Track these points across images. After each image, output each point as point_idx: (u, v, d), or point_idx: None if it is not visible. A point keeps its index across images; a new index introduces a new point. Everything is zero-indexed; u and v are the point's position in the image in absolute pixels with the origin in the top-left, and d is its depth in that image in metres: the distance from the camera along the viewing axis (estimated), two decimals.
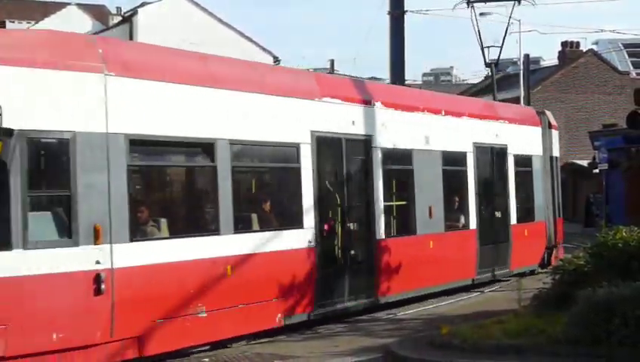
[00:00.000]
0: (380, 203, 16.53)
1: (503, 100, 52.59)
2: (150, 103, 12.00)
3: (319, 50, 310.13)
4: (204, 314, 12.53)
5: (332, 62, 61.93)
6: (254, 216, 13.97)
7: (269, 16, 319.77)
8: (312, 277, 14.65)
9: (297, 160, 14.65)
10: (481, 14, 47.45)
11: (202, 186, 13.56)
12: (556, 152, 24.67)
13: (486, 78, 67.42)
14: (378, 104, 16.89)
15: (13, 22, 49.74)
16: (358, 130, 16.13)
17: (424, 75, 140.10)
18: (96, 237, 10.99)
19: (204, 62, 13.75)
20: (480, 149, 20.35)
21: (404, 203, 17.57)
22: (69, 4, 46.03)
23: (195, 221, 13.26)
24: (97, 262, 10.98)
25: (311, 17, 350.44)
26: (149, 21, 39.66)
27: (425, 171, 18.03)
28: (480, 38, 26.86)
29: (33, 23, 46.59)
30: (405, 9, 32.53)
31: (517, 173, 21.91)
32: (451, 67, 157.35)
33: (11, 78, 10.52)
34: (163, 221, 12.35)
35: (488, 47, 28.81)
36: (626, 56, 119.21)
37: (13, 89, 10.48)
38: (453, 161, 19.25)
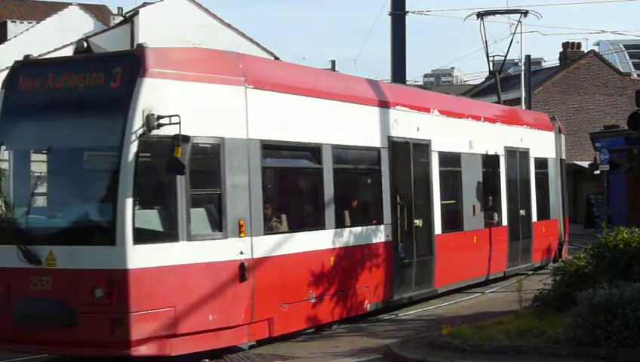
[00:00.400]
0: (438, 201, 18.39)
1: (505, 102, 52.60)
2: (276, 112, 13.68)
3: (319, 50, 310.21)
4: (314, 300, 14.24)
5: (333, 62, 61.85)
6: (347, 213, 15.54)
7: (269, 17, 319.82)
8: (390, 269, 16.34)
9: (379, 162, 16.44)
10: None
11: (312, 185, 15.17)
12: (564, 155, 26.70)
13: (487, 79, 67.46)
14: (435, 111, 18.82)
15: (15, 22, 49.75)
16: (421, 135, 17.91)
17: (425, 75, 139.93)
18: (240, 231, 12.60)
19: (314, 76, 15.70)
20: (509, 153, 22.23)
21: (454, 201, 19.36)
22: (70, 3, 45.96)
23: (308, 217, 15.03)
24: (241, 253, 12.58)
25: (311, 18, 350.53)
26: (150, 21, 39.61)
27: (469, 173, 19.98)
28: (487, 48, 27.39)
29: (34, 22, 46.60)
30: (407, 10, 32.60)
31: (536, 175, 23.95)
32: (452, 68, 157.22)
33: (183, 91, 12.05)
34: (283, 216, 13.97)
35: (493, 56, 29.42)
36: (628, 58, 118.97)
37: (184, 101, 11.87)
38: (489, 163, 21.14)
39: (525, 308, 14.22)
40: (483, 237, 20.42)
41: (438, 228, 18.24)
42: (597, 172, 42.33)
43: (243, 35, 41.83)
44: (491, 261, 20.75)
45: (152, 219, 11.74)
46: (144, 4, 41.11)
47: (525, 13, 28.05)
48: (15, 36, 45.97)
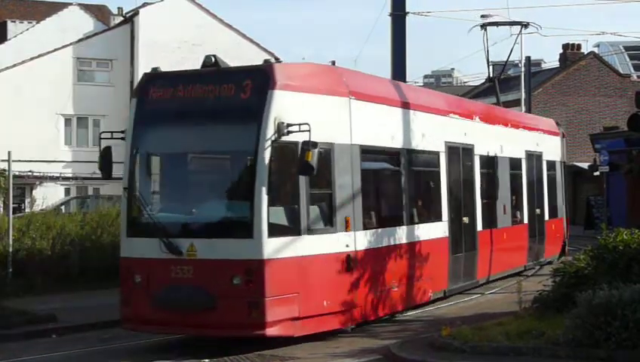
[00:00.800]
0: (479, 200, 20.39)
1: (505, 103, 52.56)
2: (370, 120, 15.50)
3: (319, 50, 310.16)
4: (396, 289, 16.03)
5: (333, 63, 61.94)
6: (416, 211, 17.29)
7: (269, 17, 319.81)
8: (446, 261, 18.34)
9: (439, 165, 18.39)
10: (482, 16, 47.70)
11: (393, 186, 16.92)
12: (565, 158, 28.84)
13: (487, 80, 67.48)
14: (477, 118, 20.87)
15: (15, 21, 49.73)
16: (467, 140, 19.87)
17: (425, 76, 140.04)
18: (346, 226, 14.35)
19: (394, 87, 17.71)
20: (528, 156, 24.28)
21: (490, 201, 21.19)
22: (70, 4, 45.95)
23: (391, 214, 16.74)
24: (347, 246, 14.34)
25: (311, 18, 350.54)
26: (150, 21, 39.66)
27: (501, 174, 21.92)
28: (487, 55, 28.65)
29: (34, 22, 46.61)
30: (407, 10, 32.62)
31: (548, 176, 26.04)
32: (452, 69, 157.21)
33: (303, 102, 13.72)
34: (373, 213, 15.70)
35: (494, 65, 30.30)
36: (627, 59, 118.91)
37: (304, 110, 13.47)
38: (514, 165, 23.12)
39: (525, 309, 14.22)
40: (511, 233, 22.45)
41: (479, 225, 20.29)
42: (597, 173, 42.31)
43: (243, 35, 41.85)
44: (516, 256, 22.98)
45: (281, 215, 13.31)
46: (144, 5, 41.11)
47: (526, 25, 29.41)
48: (15, 36, 46.03)
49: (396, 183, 16.78)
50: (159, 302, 13.07)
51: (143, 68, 39.20)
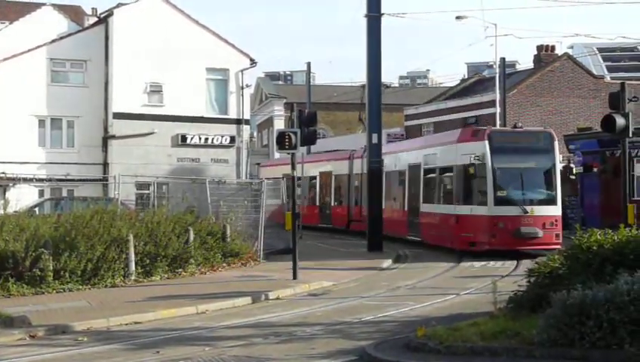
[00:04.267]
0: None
1: (480, 104, 52.89)
2: None
3: (295, 52, 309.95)
4: None
5: (309, 64, 61.89)
6: None
7: (244, 19, 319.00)
8: None
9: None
10: (457, 18, 47.91)
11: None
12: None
13: (462, 81, 67.68)
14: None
15: None
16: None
17: (401, 77, 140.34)
18: None
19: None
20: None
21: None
22: (44, 4, 45.63)
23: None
24: None
25: (287, 20, 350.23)
26: (124, 22, 39.42)
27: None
28: None
29: (7, 23, 46.25)
30: (382, 12, 32.65)
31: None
32: (427, 70, 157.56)
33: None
34: None
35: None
36: (601, 60, 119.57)
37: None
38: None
39: (500, 309, 14.27)
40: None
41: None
42: (573, 177, 42.63)
43: (219, 36, 41.71)
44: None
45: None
46: (118, 5, 40.87)
47: None
48: None
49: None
50: (516, 235, 28.00)
51: (117, 69, 39.09)
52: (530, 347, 11.73)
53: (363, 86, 39.23)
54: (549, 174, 29.14)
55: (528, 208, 28.02)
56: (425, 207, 32.39)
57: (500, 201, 28.19)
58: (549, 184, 29.15)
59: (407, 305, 18.24)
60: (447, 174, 30.92)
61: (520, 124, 31.71)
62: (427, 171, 32.46)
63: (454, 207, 29.93)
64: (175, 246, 23.84)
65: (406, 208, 34.79)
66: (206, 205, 28.63)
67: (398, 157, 35.95)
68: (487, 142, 28.34)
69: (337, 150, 46.20)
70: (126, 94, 39.03)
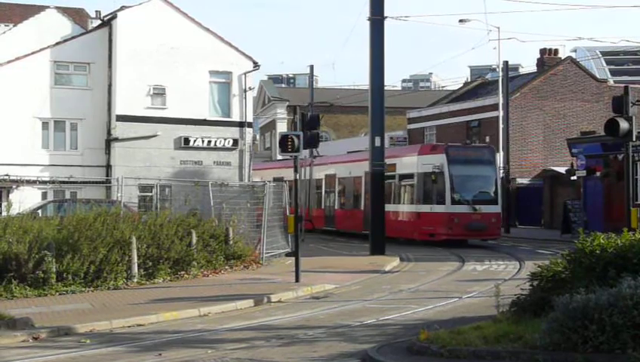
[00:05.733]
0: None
1: (483, 107, 52.92)
2: None
3: (298, 55, 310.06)
4: None
5: (311, 67, 61.96)
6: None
7: (247, 22, 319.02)
8: None
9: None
10: (461, 21, 47.93)
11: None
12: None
13: (465, 84, 67.67)
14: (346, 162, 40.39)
15: None
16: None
17: (403, 80, 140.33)
18: None
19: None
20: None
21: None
22: (48, 7, 45.62)
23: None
24: None
25: (290, 22, 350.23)
26: (128, 25, 39.42)
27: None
28: None
29: (11, 25, 46.30)
30: (385, 15, 32.66)
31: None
32: (430, 73, 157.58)
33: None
34: None
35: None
36: (604, 64, 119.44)
37: None
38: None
39: (502, 313, 14.26)
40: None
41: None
42: (574, 178, 42.62)
43: (221, 39, 41.72)
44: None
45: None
46: (122, 8, 40.88)
47: None
48: None
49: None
50: (468, 228, 34.76)
51: (120, 71, 39.13)
52: (533, 351, 11.71)
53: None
54: (491, 180, 36.81)
55: (477, 207, 35.44)
56: (388, 207, 35.14)
57: (455, 201, 35.59)
58: (492, 188, 36.76)
59: (409, 308, 18.24)
60: (409, 180, 37.77)
61: (468, 141, 41.07)
62: (388, 177, 35.38)
63: (416, 206, 36.86)
64: (178, 248, 23.86)
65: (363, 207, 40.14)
66: (209, 208, 28.64)
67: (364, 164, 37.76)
68: (445, 155, 36.05)
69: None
70: (129, 97, 39.05)
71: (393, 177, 37.78)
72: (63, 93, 39.13)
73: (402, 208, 37.80)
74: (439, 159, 35.94)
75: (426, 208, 36.31)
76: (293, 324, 16.56)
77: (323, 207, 46.31)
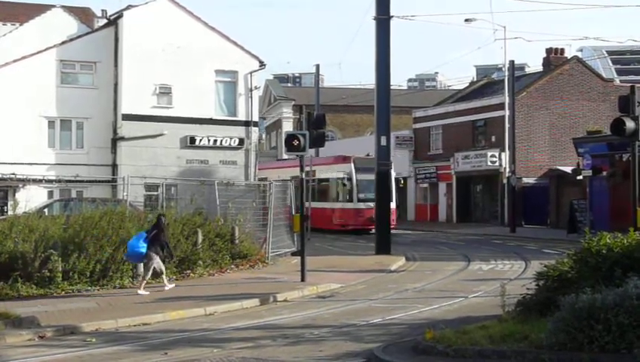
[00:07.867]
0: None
1: (489, 106, 52.92)
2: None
3: (304, 54, 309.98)
4: None
5: (317, 67, 61.99)
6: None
7: (253, 21, 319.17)
8: None
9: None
10: (467, 20, 47.90)
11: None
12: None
13: (471, 83, 67.61)
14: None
15: None
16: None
17: (409, 80, 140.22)
18: None
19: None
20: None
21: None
22: (54, 6, 45.66)
23: None
24: None
25: (296, 22, 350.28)
26: (134, 24, 39.45)
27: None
28: None
29: (17, 24, 46.37)
30: (391, 14, 32.64)
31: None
32: (436, 73, 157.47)
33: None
34: None
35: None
36: (610, 63, 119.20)
37: None
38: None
39: (508, 312, 14.25)
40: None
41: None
42: (580, 177, 42.53)
43: (227, 38, 41.73)
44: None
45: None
46: (128, 7, 40.91)
47: None
48: None
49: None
50: (370, 220, 38.18)
51: (126, 70, 39.15)
52: (538, 350, 11.70)
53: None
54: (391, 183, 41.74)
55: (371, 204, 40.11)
56: (313, 204, 42.54)
57: (360, 200, 44.48)
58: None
59: (415, 307, 18.23)
60: (326, 183, 47.74)
61: (369, 153, 42.37)
62: (316, 181, 45.51)
63: (331, 203, 46.89)
64: (184, 247, 23.88)
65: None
66: (214, 207, 28.66)
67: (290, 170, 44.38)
68: (352, 164, 45.17)
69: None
70: (135, 96, 39.07)
71: (314, 181, 45.51)
72: (69, 92, 39.17)
73: (323, 205, 46.85)
74: (349, 167, 45.40)
75: (339, 205, 46.38)
76: (299, 323, 16.57)
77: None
